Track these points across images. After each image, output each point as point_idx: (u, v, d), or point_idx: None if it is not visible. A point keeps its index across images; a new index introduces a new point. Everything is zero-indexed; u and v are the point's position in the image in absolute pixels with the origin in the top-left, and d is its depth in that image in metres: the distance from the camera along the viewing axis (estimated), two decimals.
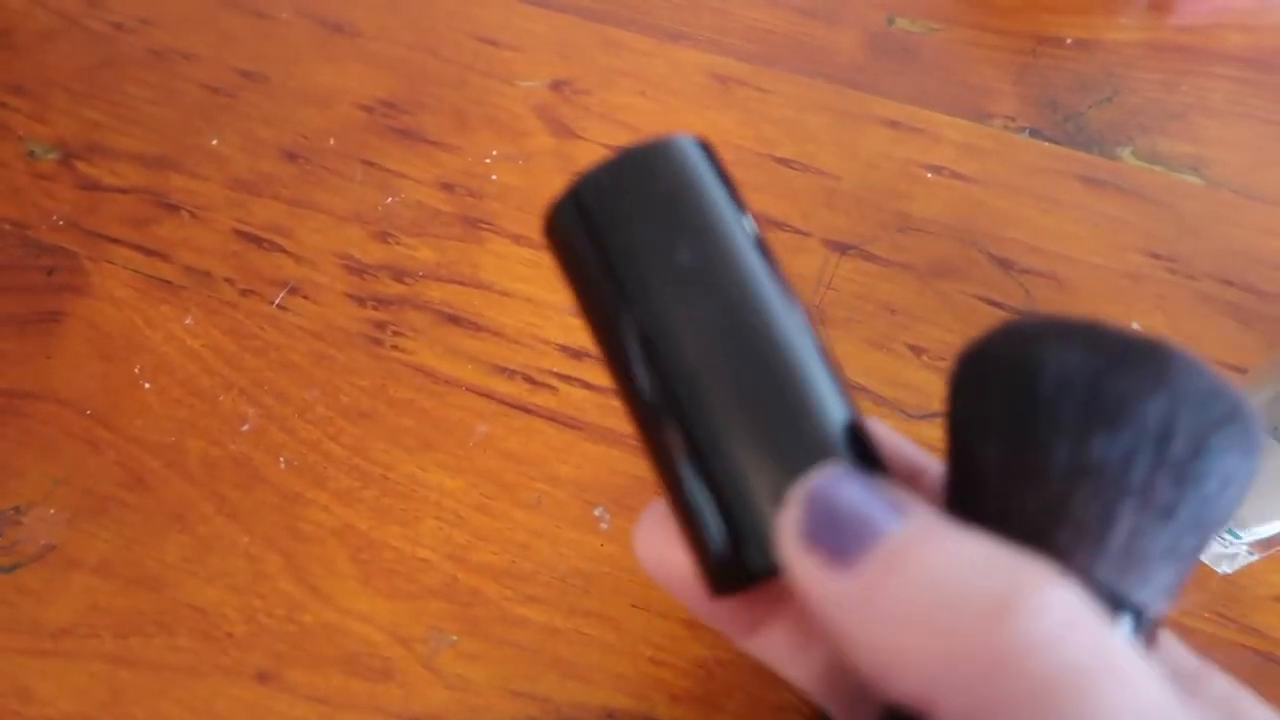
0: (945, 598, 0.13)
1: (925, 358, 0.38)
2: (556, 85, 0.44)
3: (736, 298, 0.16)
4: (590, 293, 0.17)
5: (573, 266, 0.18)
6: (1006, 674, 0.12)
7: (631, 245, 0.17)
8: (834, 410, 0.16)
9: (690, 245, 0.17)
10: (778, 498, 0.15)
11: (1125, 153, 0.43)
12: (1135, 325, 0.39)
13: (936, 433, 0.37)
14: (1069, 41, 0.46)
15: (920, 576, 0.13)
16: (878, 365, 0.38)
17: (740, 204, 0.18)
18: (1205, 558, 0.34)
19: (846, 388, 0.17)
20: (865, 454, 0.16)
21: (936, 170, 0.42)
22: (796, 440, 0.16)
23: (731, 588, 0.16)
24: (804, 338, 0.17)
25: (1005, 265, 0.40)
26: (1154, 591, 0.14)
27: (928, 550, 0.13)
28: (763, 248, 0.18)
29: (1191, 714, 0.12)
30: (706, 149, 0.18)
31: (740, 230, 0.17)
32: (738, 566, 0.16)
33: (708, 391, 0.16)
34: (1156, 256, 0.40)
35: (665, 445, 0.16)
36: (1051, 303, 0.39)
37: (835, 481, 0.14)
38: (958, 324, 0.39)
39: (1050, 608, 0.12)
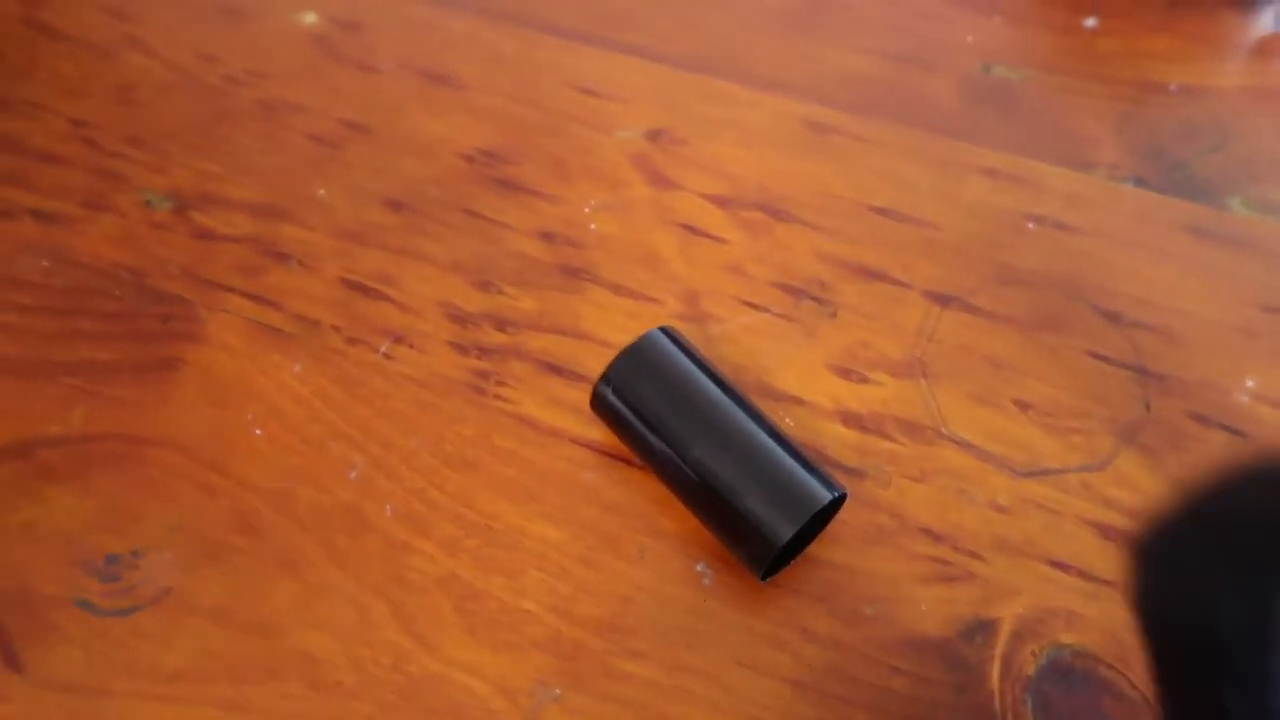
0: None
1: (1031, 413, 0.37)
2: (653, 135, 0.45)
3: (720, 419, 0.33)
4: (637, 434, 0.34)
5: (617, 423, 0.35)
6: None
7: (648, 404, 0.34)
8: (793, 470, 0.33)
9: (680, 397, 0.34)
10: (765, 507, 0.32)
11: (1235, 202, 0.42)
12: (1250, 383, 0.38)
13: (1044, 490, 0.36)
14: (1173, 88, 0.46)
15: None
16: (982, 420, 0.37)
17: (701, 361, 0.35)
18: None
19: (794, 447, 0.34)
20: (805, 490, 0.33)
21: (1039, 220, 0.42)
22: (775, 489, 0.32)
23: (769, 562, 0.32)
24: (762, 432, 0.34)
25: (1112, 318, 0.39)
26: None
27: None
28: (725, 384, 0.34)
29: None
30: (671, 333, 0.35)
31: (710, 380, 0.34)
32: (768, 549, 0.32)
33: (717, 473, 0.33)
34: (1272, 310, 0.39)
35: (704, 505, 0.33)
36: (1162, 358, 0.38)
37: None
38: (1064, 378, 0.38)
39: None
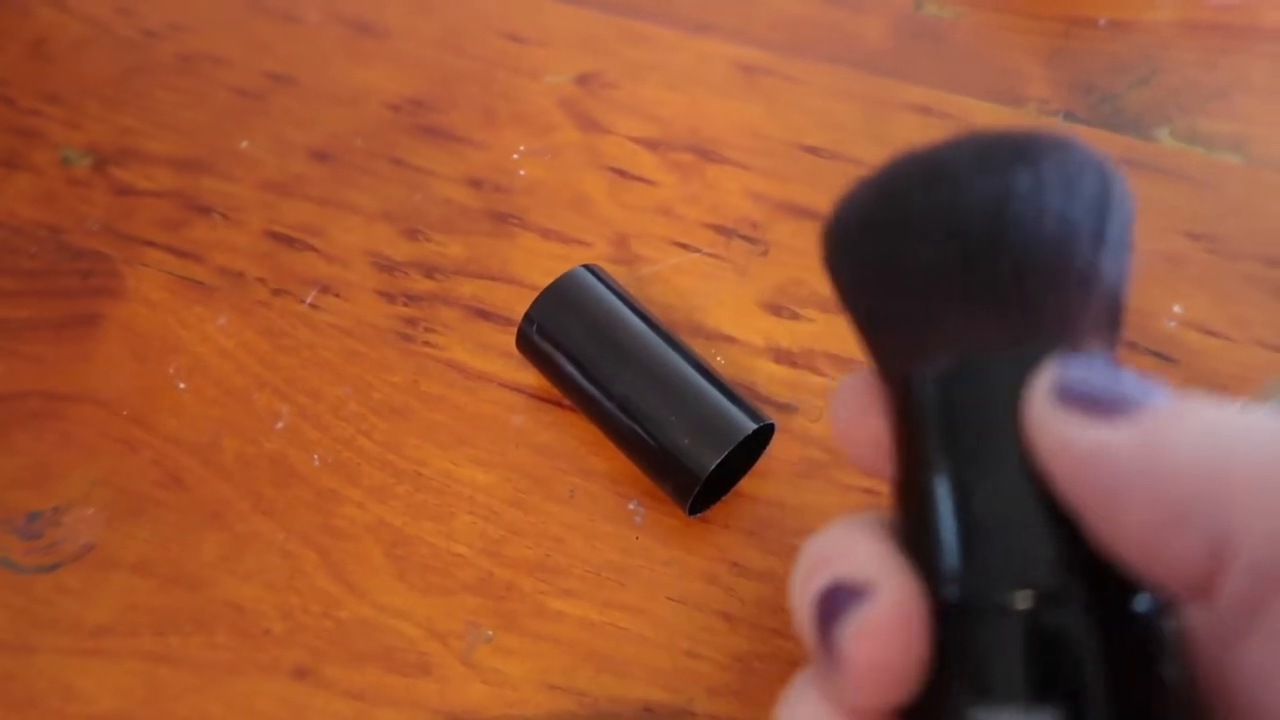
0: (1241, 451, 0.12)
1: None
2: (582, 79, 0.44)
3: (644, 353, 0.33)
4: (562, 372, 0.34)
5: (543, 362, 0.35)
6: None
7: (572, 340, 0.34)
8: (717, 401, 0.33)
9: (604, 332, 0.34)
10: (689, 439, 0.32)
11: (1163, 134, 0.42)
12: (1177, 309, 0.38)
13: None
14: (1102, 23, 0.45)
15: (1203, 432, 0.13)
16: None
17: (625, 297, 0.35)
18: None
19: (720, 380, 0.33)
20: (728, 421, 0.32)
21: None
22: (699, 421, 0.32)
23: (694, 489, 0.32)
24: (687, 366, 0.33)
25: None
26: (1082, 335, 0.15)
27: (1200, 413, 0.13)
28: (649, 320, 0.34)
29: None
30: (595, 270, 0.35)
31: (634, 316, 0.34)
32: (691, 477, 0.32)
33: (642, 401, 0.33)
34: (1197, 238, 0.39)
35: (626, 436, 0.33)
36: None
37: (1082, 360, 0.15)
38: None
39: None
